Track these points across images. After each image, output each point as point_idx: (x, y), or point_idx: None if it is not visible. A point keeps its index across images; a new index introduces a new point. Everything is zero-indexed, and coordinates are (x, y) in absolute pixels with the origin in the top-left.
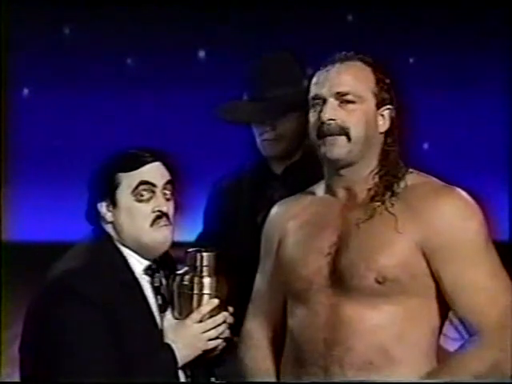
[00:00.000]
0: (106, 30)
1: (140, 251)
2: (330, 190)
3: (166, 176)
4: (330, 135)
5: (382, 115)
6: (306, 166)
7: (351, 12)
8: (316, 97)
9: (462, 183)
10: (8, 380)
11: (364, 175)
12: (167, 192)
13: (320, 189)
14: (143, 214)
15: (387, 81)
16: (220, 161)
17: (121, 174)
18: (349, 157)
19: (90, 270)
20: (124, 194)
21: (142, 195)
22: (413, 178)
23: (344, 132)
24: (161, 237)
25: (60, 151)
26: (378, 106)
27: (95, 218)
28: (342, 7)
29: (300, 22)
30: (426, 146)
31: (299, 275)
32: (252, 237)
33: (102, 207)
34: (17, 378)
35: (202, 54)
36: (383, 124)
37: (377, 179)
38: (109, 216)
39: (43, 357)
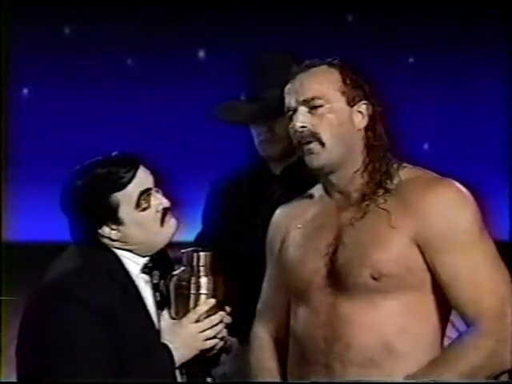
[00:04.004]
0: (106, 29)
1: (149, 250)
2: (325, 192)
3: (150, 174)
4: (306, 143)
5: (360, 111)
6: (304, 167)
7: (351, 12)
8: (288, 108)
9: (461, 184)
10: (8, 380)
11: (352, 174)
12: (156, 188)
13: (318, 191)
14: (152, 219)
15: (357, 79)
16: (219, 161)
17: (116, 194)
18: (331, 162)
19: (86, 273)
20: (128, 211)
21: (144, 203)
22: (406, 172)
23: (315, 138)
24: (172, 229)
25: (60, 151)
26: (350, 103)
27: (93, 240)
28: (342, 7)
29: (300, 22)
30: (426, 146)
31: (299, 276)
32: (250, 237)
33: (105, 229)
34: (15, 379)
35: (201, 54)
36: (361, 120)
37: (366, 177)
38: (114, 234)
39: (41, 359)
